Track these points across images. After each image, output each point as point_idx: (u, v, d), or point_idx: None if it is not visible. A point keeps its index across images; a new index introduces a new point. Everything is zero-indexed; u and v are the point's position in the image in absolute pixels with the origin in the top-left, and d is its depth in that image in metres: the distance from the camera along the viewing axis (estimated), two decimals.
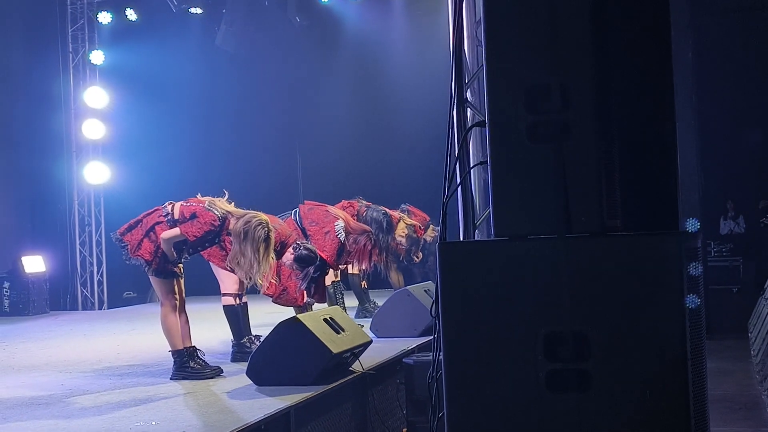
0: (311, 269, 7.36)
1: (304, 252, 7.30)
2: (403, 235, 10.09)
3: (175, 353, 6.65)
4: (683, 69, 10.65)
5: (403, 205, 11.08)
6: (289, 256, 7.26)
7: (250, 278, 6.52)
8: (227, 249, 6.84)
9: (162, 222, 6.59)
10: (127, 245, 6.60)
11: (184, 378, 6.56)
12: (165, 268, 6.61)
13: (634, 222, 3.22)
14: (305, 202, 8.89)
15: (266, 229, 6.43)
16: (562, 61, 3.23)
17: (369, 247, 8.44)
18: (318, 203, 8.77)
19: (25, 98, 13.72)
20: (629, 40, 3.29)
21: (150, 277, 6.69)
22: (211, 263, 7.39)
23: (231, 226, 6.50)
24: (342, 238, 8.28)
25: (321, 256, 7.64)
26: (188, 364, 6.62)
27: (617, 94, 3.23)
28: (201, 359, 6.69)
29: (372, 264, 8.93)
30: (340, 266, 9.03)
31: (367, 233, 8.48)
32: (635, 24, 3.30)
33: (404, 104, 14.01)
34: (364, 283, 10.44)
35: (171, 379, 6.61)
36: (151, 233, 6.57)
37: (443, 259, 3.34)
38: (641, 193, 3.24)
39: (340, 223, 8.35)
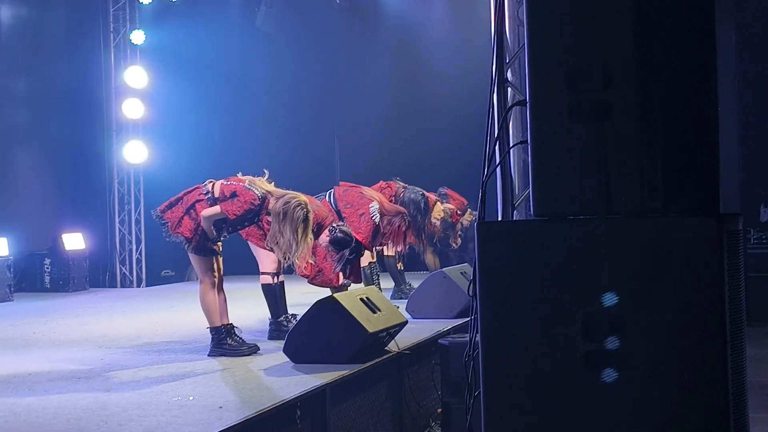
0: (346, 252, 7.39)
1: (340, 235, 7.32)
2: (438, 218, 10.09)
3: (213, 330, 6.71)
4: (726, 52, 10.52)
5: (440, 189, 11.07)
6: (324, 238, 7.28)
7: (288, 258, 6.56)
8: (266, 228, 6.88)
9: (202, 200, 6.64)
10: (167, 222, 6.66)
11: (221, 355, 6.62)
12: (204, 246, 6.66)
13: (675, 203, 3.20)
14: (340, 183, 8.91)
15: (305, 210, 6.46)
16: (603, 41, 3.22)
17: (403, 229, 8.45)
18: (353, 185, 8.79)
19: (67, 77, 13.83)
20: (672, 20, 3.26)
21: (189, 254, 6.75)
22: (249, 242, 7.44)
23: (270, 206, 6.53)
24: (377, 220, 8.30)
25: (356, 238, 7.66)
26: (226, 341, 6.67)
27: (659, 74, 3.21)
28: (238, 336, 6.75)
29: (407, 245, 8.95)
30: (375, 248, 9.05)
31: (402, 215, 8.48)
32: (678, 4, 3.28)
33: (443, 85, 13.97)
34: (399, 265, 10.46)
35: (208, 355, 6.67)
36: (192, 211, 6.62)
37: (481, 239, 3.34)
38: (682, 174, 3.22)
39: (375, 205, 8.36)
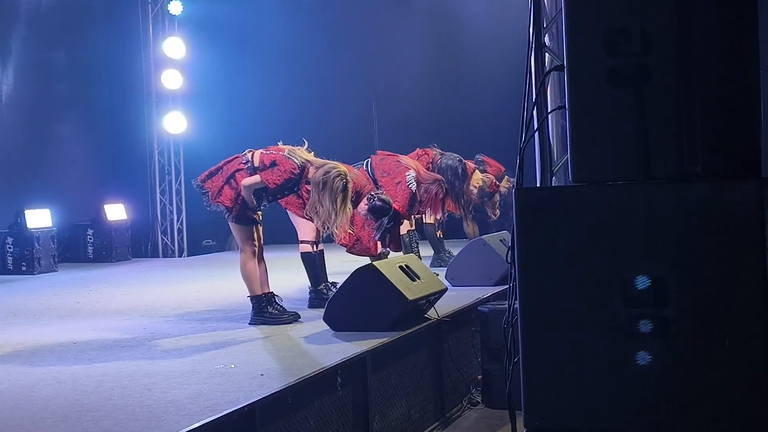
0: (385, 220, 7.39)
1: (378, 203, 7.32)
2: (477, 186, 10.06)
3: (254, 299, 6.76)
4: None
5: (477, 156, 11.03)
6: (363, 207, 7.29)
7: (327, 227, 6.58)
8: (305, 198, 6.90)
9: (242, 169, 6.67)
10: (207, 192, 6.70)
11: (262, 323, 6.67)
12: (245, 215, 6.70)
13: (715, 168, 3.17)
14: (377, 152, 8.89)
15: (344, 180, 6.47)
16: (642, 4, 3.18)
17: (441, 196, 8.44)
18: (390, 153, 8.77)
19: (106, 49, 13.92)
20: None
21: (230, 223, 6.79)
22: (288, 211, 7.47)
23: (310, 175, 6.55)
24: (413, 188, 8.29)
25: (393, 207, 7.67)
26: (266, 309, 6.72)
27: (699, 37, 3.17)
28: (279, 305, 6.79)
29: (445, 213, 8.93)
30: (413, 216, 9.04)
31: (439, 182, 8.47)
32: None
33: (481, 51, 13.88)
34: (439, 233, 10.45)
35: (250, 324, 6.72)
36: (232, 180, 6.65)
37: (519, 204, 3.32)
38: (722, 138, 3.18)
39: (411, 173, 8.36)
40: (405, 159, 8.68)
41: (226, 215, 6.72)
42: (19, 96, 12.33)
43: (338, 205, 6.44)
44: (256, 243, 6.79)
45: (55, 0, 13.10)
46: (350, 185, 6.56)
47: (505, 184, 11.09)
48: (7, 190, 11.86)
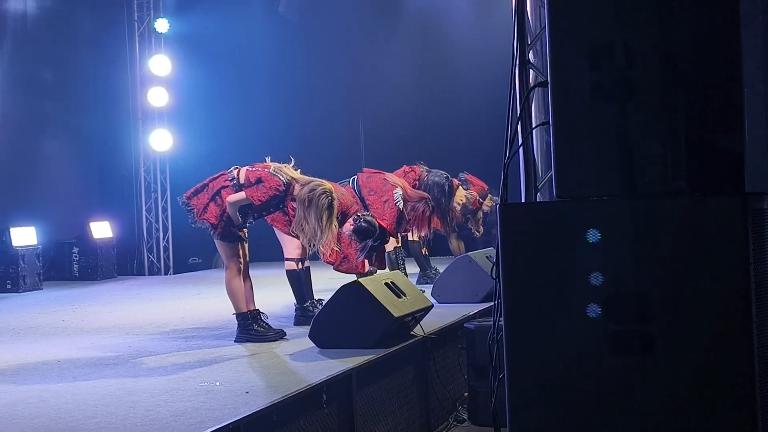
0: (369, 241, 7.38)
1: (364, 224, 7.31)
2: (460, 203, 10.06)
3: (239, 316, 6.73)
4: (753, 34, 10.41)
5: (461, 174, 11.03)
6: (348, 227, 7.28)
7: (313, 245, 6.57)
8: (291, 215, 6.89)
9: (228, 186, 6.66)
10: (193, 209, 6.69)
11: (247, 340, 6.64)
12: (230, 232, 6.68)
13: (699, 183, 3.18)
14: (364, 170, 8.89)
15: (330, 197, 6.47)
16: (625, 19, 3.19)
17: (427, 214, 8.44)
18: (376, 171, 8.77)
19: (93, 66, 13.91)
20: None
21: (215, 240, 6.77)
22: (274, 229, 7.46)
23: (295, 193, 6.54)
24: (400, 206, 8.29)
25: (381, 225, 7.65)
26: (252, 326, 6.70)
27: (682, 52, 3.18)
28: (264, 322, 6.77)
29: (431, 230, 8.92)
30: (400, 233, 9.04)
31: (425, 200, 8.47)
32: None
33: (466, 69, 13.92)
34: (424, 250, 10.44)
35: (235, 341, 6.69)
36: (217, 197, 6.64)
37: (504, 220, 3.33)
38: (707, 153, 3.19)
39: (399, 191, 8.35)
40: (391, 177, 8.68)
41: (212, 232, 6.70)
42: (4, 113, 12.30)
43: (324, 222, 6.43)
44: (242, 260, 6.77)
45: (42, 17, 13.10)
46: (335, 203, 6.55)
47: (488, 203, 11.10)
48: None
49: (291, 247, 7.43)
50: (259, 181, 6.58)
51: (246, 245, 6.85)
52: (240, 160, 7.22)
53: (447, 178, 9.58)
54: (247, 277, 6.82)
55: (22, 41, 12.71)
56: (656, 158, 3.19)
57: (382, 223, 7.77)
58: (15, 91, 12.50)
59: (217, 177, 6.78)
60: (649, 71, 3.17)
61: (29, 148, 12.69)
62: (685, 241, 3.10)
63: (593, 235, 3.17)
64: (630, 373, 3.12)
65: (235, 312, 6.76)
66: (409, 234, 9.71)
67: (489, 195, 11.15)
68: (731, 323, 3.04)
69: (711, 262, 3.07)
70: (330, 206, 6.46)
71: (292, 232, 6.82)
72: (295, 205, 6.61)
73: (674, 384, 3.07)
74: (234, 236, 6.72)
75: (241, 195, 6.57)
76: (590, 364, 3.17)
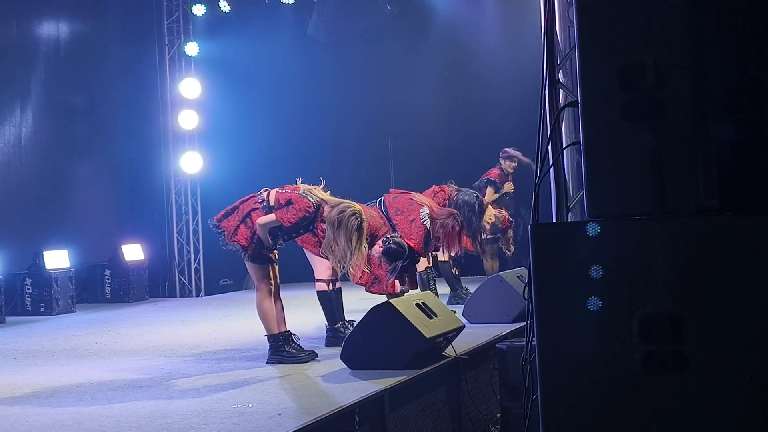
0: (399, 263, 7.38)
1: (393, 246, 7.32)
2: (489, 222, 10.05)
3: (271, 338, 6.75)
4: None
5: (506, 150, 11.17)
6: (377, 249, 7.29)
7: (343, 266, 6.58)
8: (320, 236, 6.91)
9: (258, 208, 6.69)
10: (223, 231, 6.72)
11: (279, 362, 6.65)
12: (260, 254, 6.71)
13: (732, 201, 3.16)
14: (390, 190, 8.89)
15: (359, 219, 6.48)
16: (655, 38, 3.18)
17: (457, 229, 8.40)
18: (403, 191, 8.77)
19: (124, 90, 14.05)
20: (726, 16, 3.22)
21: (246, 262, 6.80)
22: (304, 250, 7.48)
23: (325, 214, 6.56)
24: (427, 225, 8.28)
25: (409, 245, 7.66)
26: (284, 348, 6.71)
27: (713, 72, 3.17)
28: (296, 344, 6.78)
29: (462, 249, 8.88)
30: (429, 252, 9.02)
31: (453, 215, 8.45)
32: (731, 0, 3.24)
33: (495, 88, 13.91)
34: (455, 270, 10.42)
35: (267, 363, 6.71)
36: (248, 219, 6.67)
37: (536, 240, 3.31)
38: (738, 171, 3.17)
39: (425, 210, 8.35)
40: (418, 196, 8.68)
41: (242, 254, 6.73)
42: (38, 138, 12.45)
43: (353, 244, 6.44)
44: (272, 281, 6.79)
45: (74, 42, 13.26)
46: (365, 224, 6.56)
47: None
48: (26, 231, 11.93)
49: (322, 268, 7.44)
50: (289, 202, 6.60)
51: (276, 267, 6.88)
52: (270, 181, 7.26)
53: (477, 197, 9.56)
54: (278, 298, 6.84)
55: (54, 66, 12.87)
56: (687, 177, 3.17)
57: (409, 242, 7.78)
58: (48, 115, 12.65)
59: (247, 199, 6.81)
60: (680, 91, 3.16)
61: (62, 171, 12.82)
62: (717, 260, 3.08)
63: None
64: (665, 393, 3.10)
65: (266, 333, 6.77)
66: (439, 254, 9.70)
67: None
68: (766, 342, 3.00)
69: (744, 281, 3.05)
70: (359, 228, 6.47)
71: (322, 253, 6.84)
72: (324, 227, 6.63)
73: (710, 403, 3.05)
74: (264, 258, 6.75)
75: (271, 217, 6.60)
76: (625, 384, 3.15)
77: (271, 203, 6.68)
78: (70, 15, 13.22)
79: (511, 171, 11.38)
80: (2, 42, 11.93)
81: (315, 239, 7.19)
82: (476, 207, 9.38)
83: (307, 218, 6.63)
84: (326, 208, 6.58)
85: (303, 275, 8.89)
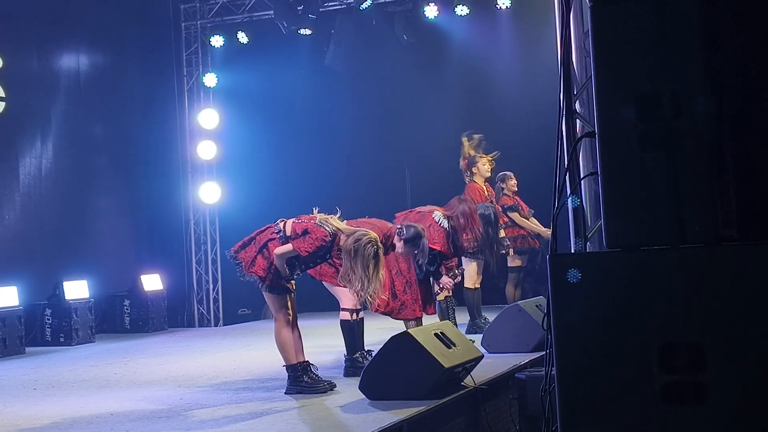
0: (423, 243, 7.38)
1: (411, 231, 7.34)
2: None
3: (290, 368, 6.75)
4: None
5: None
6: (399, 245, 7.30)
7: (361, 295, 6.59)
8: (337, 265, 6.92)
9: (274, 239, 6.71)
10: (241, 262, 6.74)
11: (298, 392, 6.65)
12: (278, 284, 6.73)
13: (750, 231, 3.15)
14: (396, 215, 8.92)
15: (375, 246, 6.49)
16: (672, 69, 3.20)
17: (469, 210, 8.55)
18: (408, 211, 8.89)
19: (143, 121, 14.15)
20: (742, 46, 3.23)
21: (264, 293, 6.82)
22: (324, 283, 7.50)
23: (341, 243, 6.58)
24: (445, 225, 8.44)
25: (434, 249, 7.75)
26: (302, 378, 6.71)
27: (730, 100, 3.18)
28: (314, 374, 6.78)
29: (482, 230, 8.96)
30: (460, 250, 9.02)
31: (460, 199, 8.66)
32: (748, 29, 3.25)
33: (511, 117, 13.92)
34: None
35: (285, 393, 6.71)
36: (264, 250, 6.69)
37: (554, 271, 3.32)
38: (757, 200, 3.17)
39: (437, 213, 8.51)
40: (422, 208, 8.79)
41: (260, 285, 6.75)
42: (58, 168, 12.54)
43: (371, 271, 6.45)
44: (290, 312, 6.80)
45: (94, 74, 13.39)
46: (381, 251, 6.58)
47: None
48: (46, 261, 12.00)
49: (346, 297, 7.45)
50: (305, 232, 6.63)
51: (294, 296, 6.89)
52: (288, 210, 7.30)
53: (492, 208, 9.58)
54: (295, 327, 6.85)
55: (75, 98, 12.98)
56: (705, 207, 3.17)
57: (434, 246, 7.87)
58: (67, 146, 12.75)
59: (264, 230, 6.84)
60: (697, 120, 3.17)
61: (81, 202, 12.91)
62: (736, 290, 3.08)
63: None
64: (685, 423, 3.08)
65: (285, 364, 6.78)
66: (466, 281, 9.76)
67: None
68: None
69: (763, 310, 3.04)
70: (376, 255, 6.48)
71: (340, 282, 6.85)
72: (340, 256, 6.65)
73: None
74: (282, 288, 6.76)
75: (288, 247, 6.62)
76: (645, 414, 3.14)
77: (288, 233, 6.71)
78: (90, 47, 13.35)
79: (516, 188, 11.38)
80: (23, 74, 12.06)
81: (332, 269, 7.21)
82: (492, 217, 9.37)
83: (323, 247, 6.64)
84: (342, 237, 6.60)
85: (320, 304, 8.91)
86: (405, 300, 7.87)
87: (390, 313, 7.89)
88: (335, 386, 6.75)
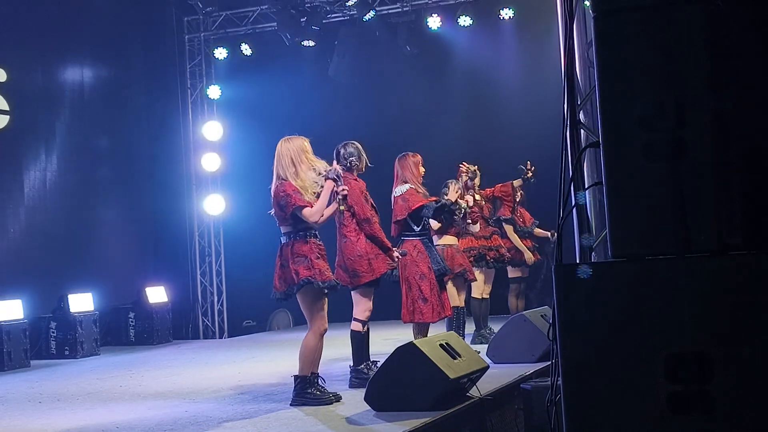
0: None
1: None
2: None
3: (299, 378, 6.70)
4: None
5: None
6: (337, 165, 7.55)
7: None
8: (349, 270, 7.01)
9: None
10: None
11: (303, 404, 6.63)
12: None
13: (756, 239, 3.15)
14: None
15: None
16: (676, 78, 3.20)
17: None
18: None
19: (147, 134, 14.20)
20: (746, 55, 3.23)
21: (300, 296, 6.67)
22: (351, 289, 7.48)
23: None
24: (403, 190, 8.83)
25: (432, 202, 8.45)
26: (308, 390, 6.69)
27: (734, 109, 3.18)
28: (321, 386, 6.76)
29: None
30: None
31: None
32: (752, 39, 3.25)
33: (515, 128, 13.95)
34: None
35: (291, 405, 6.69)
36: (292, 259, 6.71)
37: (559, 281, 3.31)
38: (762, 209, 3.17)
39: (398, 189, 8.94)
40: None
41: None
42: (62, 181, 12.57)
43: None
44: (326, 321, 6.73)
45: (98, 87, 13.43)
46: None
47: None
48: (51, 274, 12.02)
49: (360, 308, 7.46)
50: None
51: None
52: None
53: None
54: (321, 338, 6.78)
55: (79, 111, 13.03)
56: (710, 216, 3.17)
57: (428, 200, 8.41)
58: (72, 159, 12.79)
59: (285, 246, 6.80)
60: (701, 130, 3.17)
61: (86, 215, 12.93)
62: (742, 299, 3.07)
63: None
64: None
65: (298, 373, 6.72)
66: (474, 290, 9.86)
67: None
68: None
69: None
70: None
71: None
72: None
73: None
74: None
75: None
76: (651, 424, 3.13)
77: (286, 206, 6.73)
78: (94, 60, 13.40)
79: (518, 185, 11.38)
80: (27, 87, 12.10)
81: (346, 276, 7.30)
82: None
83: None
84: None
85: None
86: (433, 301, 7.95)
87: (428, 320, 7.99)
88: (341, 398, 6.73)
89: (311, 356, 6.66)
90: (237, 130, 14.34)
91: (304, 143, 6.92)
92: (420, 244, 8.26)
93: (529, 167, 10.89)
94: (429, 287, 7.92)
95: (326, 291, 6.61)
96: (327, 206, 6.75)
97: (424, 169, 8.97)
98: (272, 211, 6.83)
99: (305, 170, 6.70)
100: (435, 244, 8.86)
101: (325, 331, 6.71)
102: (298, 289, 6.56)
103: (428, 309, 7.95)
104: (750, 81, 3.21)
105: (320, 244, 6.75)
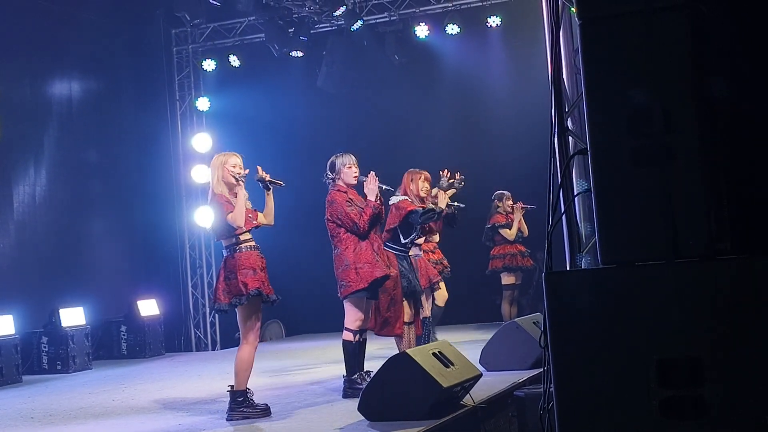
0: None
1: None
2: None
3: (238, 393, 6.71)
4: None
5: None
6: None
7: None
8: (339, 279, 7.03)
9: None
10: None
11: (244, 417, 6.62)
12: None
13: (744, 244, 3.16)
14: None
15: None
16: (662, 84, 3.21)
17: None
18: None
19: (136, 146, 14.15)
20: (732, 60, 3.25)
21: (239, 309, 6.79)
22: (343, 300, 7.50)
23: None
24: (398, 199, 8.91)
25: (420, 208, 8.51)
26: (245, 403, 6.69)
27: (721, 115, 3.19)
28: (251, 399, 6.76)
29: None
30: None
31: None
32: (738, 44, 3.27)
33: (503, 136, 13.97)
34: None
35: (227, 420, 6.67)
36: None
37: (550, 288, 3.32)
38: (749, 213, 3.18)
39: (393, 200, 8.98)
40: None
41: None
42: (52, 196, 12.53)
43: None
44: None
45: (86, 100, 13.40)
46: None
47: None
48: (42, 289, 11.96)
49: (351, 318, 7.44)
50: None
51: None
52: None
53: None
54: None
55: (68, 124, 13.00)
56: (699, 221, 3.18)
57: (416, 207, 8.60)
58: (61, 173, 12.75)
59: None
60: (688, 135, 3.18)
61: (76, 229, 12.89)
62: (732, 303, 3.08)
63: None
64: None
65: (236, 388, 6.72)
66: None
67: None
68: None
69: (758, 323, 3.04)
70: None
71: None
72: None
73: None
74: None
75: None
76: (643, 429, 3.14)
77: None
78: (82, 73, 13.37)
79: (512, 209, 11.43)
80: (15, 101, 12.06)
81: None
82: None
83: None
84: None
85: (319, 326, 8.89)
86: (388, 317, 7.88)
87: (372, 329, 7.91)
88: (270, 413, 6.72)
89: (248, 371, 6.72)
90: (226, 141, 14.31)
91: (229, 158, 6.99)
92: (394, 259, 8.27)
93: (444, 174, 10.79)
94: (387, 302, 7.86)
95: (272, 303, 6.79)
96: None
97: (428, 185, 9.02)
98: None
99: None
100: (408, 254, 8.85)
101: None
102: (247, 299, 6.64)
103: (379, 321, 7.92)
104: (736, 85, 3.22)
105: (263, 257, 6.86)
